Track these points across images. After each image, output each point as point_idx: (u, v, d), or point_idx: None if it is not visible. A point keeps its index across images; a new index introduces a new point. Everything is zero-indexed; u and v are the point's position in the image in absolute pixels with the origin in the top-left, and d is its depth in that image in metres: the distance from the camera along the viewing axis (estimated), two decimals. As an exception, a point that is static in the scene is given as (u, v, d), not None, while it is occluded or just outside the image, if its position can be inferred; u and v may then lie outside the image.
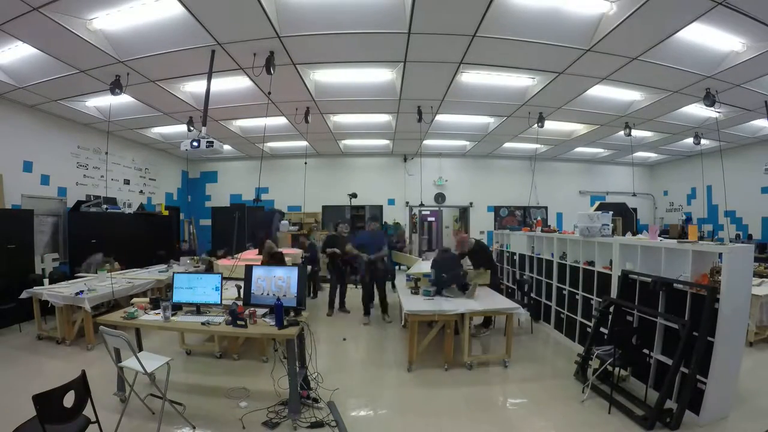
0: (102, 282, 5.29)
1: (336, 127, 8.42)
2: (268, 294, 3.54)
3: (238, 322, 3.17)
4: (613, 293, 4.21)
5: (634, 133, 7.75)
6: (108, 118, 6.93)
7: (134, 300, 4.09)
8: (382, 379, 4.18)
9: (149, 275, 6.21)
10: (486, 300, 4.65)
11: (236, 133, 8.57)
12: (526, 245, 6.69)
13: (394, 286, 6.48)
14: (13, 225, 5.91)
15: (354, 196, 8.21)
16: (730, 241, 5.87)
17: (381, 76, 5.78)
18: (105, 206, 7.57)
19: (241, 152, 10.61)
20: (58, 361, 4.47)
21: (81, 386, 2.33)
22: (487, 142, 9.53)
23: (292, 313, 3.34)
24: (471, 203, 11.42)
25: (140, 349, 3.78)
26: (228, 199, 11.43)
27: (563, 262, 5.49)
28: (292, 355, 3.12)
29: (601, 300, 4.33)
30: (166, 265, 7.06)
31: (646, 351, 3.56)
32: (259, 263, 4.68)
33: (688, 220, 10.57)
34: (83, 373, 2.38)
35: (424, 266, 5.96)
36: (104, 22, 4.21)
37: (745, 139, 8.68)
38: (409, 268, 6.21)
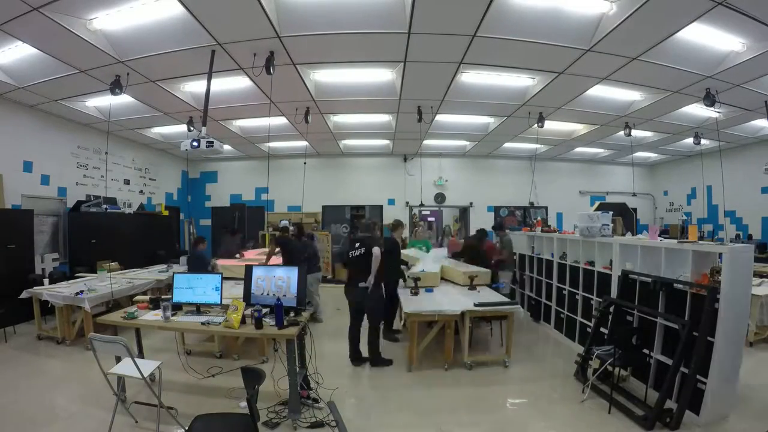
0: (102, 282, 5.30)
1: (336, 127, 8.41)
2: (268, 294, 3.54)
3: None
4: (613, 293, 4.21)
5: (634, 133, 7.75)
6: (108, 118, 6.92)
7: (138, 297, 4.11)
8: (382, 379, 4.18)
9: (149, 275, 6.22)
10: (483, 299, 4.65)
11: (236, 133, 8.57)
12: (526, 245, 6.69)
13: None
14: (13, 225, 5.91)
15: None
16: (730, 241, 5.87)
17: (381, 76, 5.77)
18: (105, 206, 7.56)
19: (241, 152, 10.61)
20: (58, 361, 4.48)
21: None
22: (487, 142, 9.53)
23: (292, 313, 3.34)
24: (471, 203, 11.42)
25: (141, 350, 3.79)
26: (228, 199, 11.43)
27: (563, 262, 5.49)
28: (291, 355, 3.12)
29: (601, 300, 4.33)
30: (166, 265, 7.06)
31: (646, 351, 3.56)
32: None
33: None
34: None
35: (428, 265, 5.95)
36: (104, 22, 4.20)
37: (745, 139, 8.68)
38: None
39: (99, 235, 7.18)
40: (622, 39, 4.31)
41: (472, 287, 5.11)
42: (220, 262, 6.37)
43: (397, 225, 5.71)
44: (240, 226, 9.93)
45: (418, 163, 10.69)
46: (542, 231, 6.30)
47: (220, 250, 6.71)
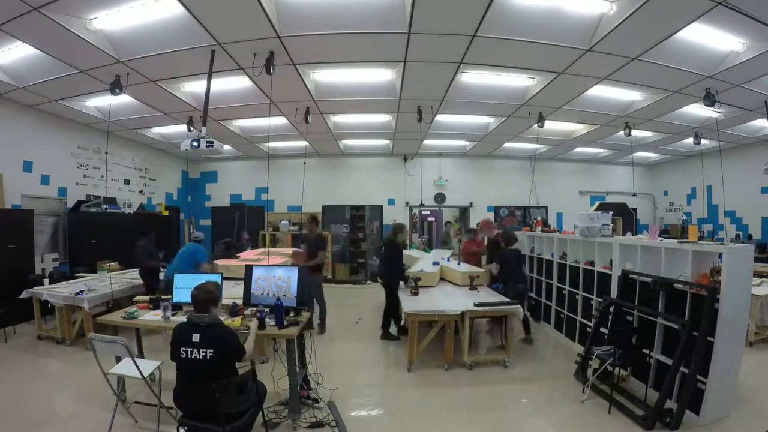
0: (102, 282, 5.29)
1: (336, 127, 8.41)
2: (268, 294, 3.54)
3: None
4: (613, 293, 4.21)
5: (634, 133, 7.74)
6: (108, 118, 6.92)
7: (138, 297, 4.11)
8: (382, 379, 4.18)
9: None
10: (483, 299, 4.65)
11: (236, 133, 8.57)
12: (526, 245, 6.68)
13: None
14: (13, 225, 5.90)
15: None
16: (730, 241, 5.87)
17: (381, 76, 5.77)
18: (105, 206, 7.56)
19: (241, 152, 10.61)
20: (58, 361, 4.48)
21: None
22: (487, 142, 9.53)
23: (292, 313, 3.34)
24: (471, 203, 11.42)
25: (141, 350, 3.79)
26: (228, 199, 11.44)
27: (563, 262, 5.50)
28: (291, 355, 3.12)
29: (601, 300, 4.34)
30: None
31: (646, 351, 3.56)
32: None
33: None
34: None
35: (424, 265, 5.96)
36: (104, 22, 4.20)
37: (745, 139, 8.68)
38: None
39: (99, 235, 7.18)
40: (622, 39, 4.31)
41: (472, 287, 5.11)
42: (221, 262, 6.36)
43: (398, 229, 5.68)
44: (240, 226, 9.91)
45: (418, 163, 10.69)
46: (542, 231, 6.30)
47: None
